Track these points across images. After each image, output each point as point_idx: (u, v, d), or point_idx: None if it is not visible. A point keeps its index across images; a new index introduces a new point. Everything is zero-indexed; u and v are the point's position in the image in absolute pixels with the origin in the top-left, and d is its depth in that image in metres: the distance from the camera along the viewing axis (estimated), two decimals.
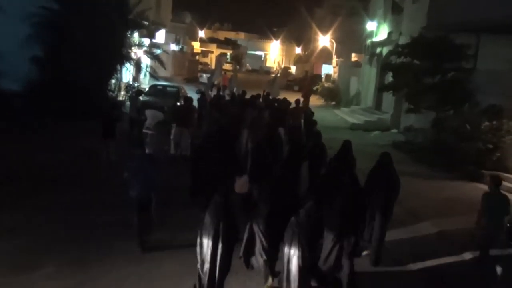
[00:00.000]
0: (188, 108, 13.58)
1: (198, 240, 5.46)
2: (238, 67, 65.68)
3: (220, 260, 5.38)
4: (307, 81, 26.83)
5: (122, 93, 20.19)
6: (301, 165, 9.01)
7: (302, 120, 14.70)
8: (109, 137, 11.63)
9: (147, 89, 20.14)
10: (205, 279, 5.45)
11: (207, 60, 60.64)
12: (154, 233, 7.42)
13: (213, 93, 18.98)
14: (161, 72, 24.04)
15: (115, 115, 12.15)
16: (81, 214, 8.40)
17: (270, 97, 17.51)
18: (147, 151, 8.20)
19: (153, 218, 7.15)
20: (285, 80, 45.30)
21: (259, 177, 7.47)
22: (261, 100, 16.49)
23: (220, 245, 5.38)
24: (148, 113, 14.45)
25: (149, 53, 21.15)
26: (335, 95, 33.02)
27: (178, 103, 16.31)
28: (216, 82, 17.69)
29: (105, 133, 11.61)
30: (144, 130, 13.53)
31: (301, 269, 5.43)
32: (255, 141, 9.64)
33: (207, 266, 5.41)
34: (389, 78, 19.50)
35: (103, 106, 15.21)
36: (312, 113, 14.36)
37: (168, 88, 20.60)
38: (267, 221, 5.95)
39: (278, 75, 24.50)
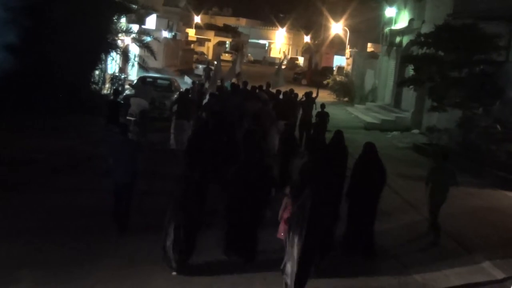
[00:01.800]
0: (187, 100, 14.29)
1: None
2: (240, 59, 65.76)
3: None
4: (309, 70, 26.94)
5: (107, 85, 20.32)
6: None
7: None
8: (114, 123, 12.14)
9: (135, 81, 20.40)
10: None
11: (203, 49, 60.92)
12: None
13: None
14: (152, 63, 23.99)
15: (118, 101, 13.25)
16: (64, 219, 8.52)
17: (270, 88, 17.73)
18: (130, 137, 8.89)
19: (129, 204, 8.01)
20: (292, 72, 45.57)
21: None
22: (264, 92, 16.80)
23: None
24: (133, 100, 15.42)
25: (138, 40, 21.29)
26: (348, 90, 33.10)
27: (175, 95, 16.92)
28: (218, 83, 18.13)
29: (109, 119, 12.41)
30: (127, 117, 14.32)
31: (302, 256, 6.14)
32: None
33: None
34: (409, 71, 19.61)
35: (87, 100, 15.85)
36: (323, 105, 15.37)
37: (159, 81, 20.75)
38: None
39: (284, 63, 24.69)
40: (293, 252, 6.20)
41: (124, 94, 17.52)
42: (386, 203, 10.23)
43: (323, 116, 15.36)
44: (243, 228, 7.23)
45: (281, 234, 6.81)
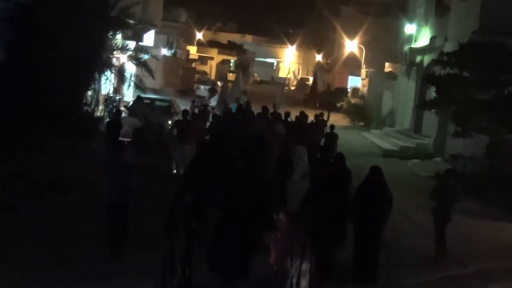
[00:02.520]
0: (190, 122, 14.73)
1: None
2: (244, 77, 66.29)
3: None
4: (313, 90, 27.56)
5: (100, 107, 20.37)
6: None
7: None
8: (114, 144, 12.62)
9: (130, 103, 20.51)
10: None
11: (206, 68, 61.49)
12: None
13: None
14: (149, 82, 24.08)
15: (119, 121, 13.94)
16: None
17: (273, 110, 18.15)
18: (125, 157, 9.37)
19: (125, 225, 8.66)
20: (302, 93, 45.72)
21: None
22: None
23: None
24: (125, 120, 15.93)
25: (135, 58, 21.30)
26: (364, 113, 33.23)
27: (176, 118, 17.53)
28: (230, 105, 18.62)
29: (110, 140, 12.98)
30: (120, 138, 14.73)
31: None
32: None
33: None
34: (431, 93, 19.63)
35: (78, 122, 16.07)
36: (333, 127, 16.03)
37: (157, 102, 21.09)
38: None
39: (287, 82, 25.20)
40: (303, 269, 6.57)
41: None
42: (405, 236, 10.81)
43: (331, 138, 15.70)
44: (233, 248, 7.61)
45: (273, 259, 7.00)
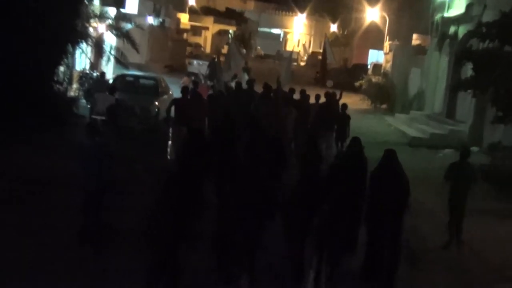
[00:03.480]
0: (192, 102, 15.01)
1: None
2: (244, 51, 65.95)
3: None
4: (323, 67, 27.73)
5: (74, 86, 20.67)
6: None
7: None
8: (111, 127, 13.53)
9: (110, 81, 20.87)
10: None
11: (199, 40, 61.66)
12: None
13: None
14: (133, 57, 24.06)
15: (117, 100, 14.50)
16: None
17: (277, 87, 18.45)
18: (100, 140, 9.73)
19: (102, 217, 9.10)
20: (314, 71, 45.55)
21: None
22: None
23: None
24: (98, 96, 16.65)
25: (115, 28, 21.63)
26: (387, 94, 33.11)
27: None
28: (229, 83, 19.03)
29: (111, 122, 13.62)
30: (94, 117, 15.55)
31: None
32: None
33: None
34: (467, 71, 19.57)
35: (46, 103, 16.25)
36: (345, 106, 16.61)
37: (141, 81, 20.90)
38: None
39: (295, 56, 25.14)
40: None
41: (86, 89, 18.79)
42: (431, 240, 11.35)
43: (343, 120, 16.03)
44: (235, 252, 8.18)
45: None
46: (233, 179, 8.64)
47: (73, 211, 9.55)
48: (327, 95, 17.50)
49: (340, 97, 17.64)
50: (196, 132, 11.42)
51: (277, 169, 10.91)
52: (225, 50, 37.11)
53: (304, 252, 8.30)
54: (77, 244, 8.99)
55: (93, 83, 19.67)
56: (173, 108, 15.53)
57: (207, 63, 30.07)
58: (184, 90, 15.80)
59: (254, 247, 8.20)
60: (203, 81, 20.51)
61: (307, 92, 17.90)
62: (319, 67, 48.22)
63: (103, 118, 15.08)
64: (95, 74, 21.56)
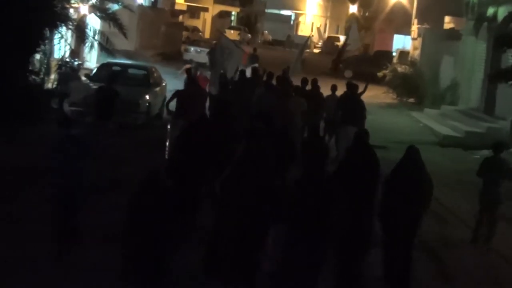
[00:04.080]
0: (194, 93, 15.36)
1: None
2: (249, 36, 65.42)
3: None
4: (339, 54, 28.00)
5: (52, 76, 20.42)
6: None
7: None
8: (106, 119, 14.36)
9: (94, 70, 20.53)
10: None
11: (197, 23, 60.59)
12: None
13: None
14: (120, 43, 24.11)
15: (114, 90, 15.05)
16: None
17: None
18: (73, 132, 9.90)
19: (77, 220, 9.39)
20: (330, 58, 45.49)
21: None
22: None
23: None
24: (72, 85, 17.60)
25: (100, 9, 21.48)
26: (415, 86, 32.78)
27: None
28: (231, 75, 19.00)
29: (101, 113, 14.44)
30: (71, 108, 16.48)
31: None
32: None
33: None
34: (509, 59, 19.89)
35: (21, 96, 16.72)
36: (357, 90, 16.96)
37: (130, 70, 20.81)
38: None
39: (308, 42, 25.48)
40: None
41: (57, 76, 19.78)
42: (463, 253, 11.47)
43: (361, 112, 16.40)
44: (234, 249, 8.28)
45: None
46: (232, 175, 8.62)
47: (43, 211, 9.80)
48: (348, 85, 17.57)
49: (365, 90, 17.59)
50: (197, 124, 11.37)
51: (283, 166, 11.00)
52: (230, 35, 36.57)
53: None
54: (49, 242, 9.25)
55: (64, 71, 20.06)
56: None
57: (206, 50, 29.80)
58: (190, 81, 16.50)
59: (255, 251, 8.34)
60: (198, 72, 20.28)
61: (322, 84, 18.13)
62: (336, 54, 48.17)
63: (80, 109, 15.98)
64: (76, 63, 21.60)
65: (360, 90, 17.05)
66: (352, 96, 16.92)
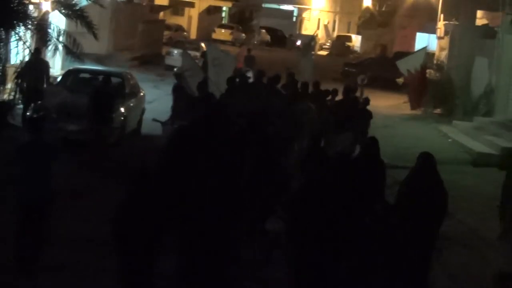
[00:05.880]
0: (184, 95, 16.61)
1: None
2: (243, 35, 63.53)
3: None
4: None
5: (9, 85, 20.04)
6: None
7: None
8: (103, 123, 15.16)
9: (59, 78, 20.72)
10: None
11: (182, 21, 59.02)
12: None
13: None
14: (90, 45, 23.35)
15: (111, 91, 15.98)
16: None
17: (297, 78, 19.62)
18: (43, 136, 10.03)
19: (43, 231, 9.49)
20: (341, 63, 45.88)
21: None
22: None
23: None
24: (47, 89, 17.89)
25: (65, 6, 20.69)
26: (443, 95, 31.87)
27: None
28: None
29: (97, 115, 15.19)
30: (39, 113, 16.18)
31: None
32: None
33: None
34: None
35: None
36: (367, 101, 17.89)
37: (101, 78, 20.06)
38: None
39: (312, 44, 26.14)
40: None
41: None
42: None
43: (363, 116, 16.89)
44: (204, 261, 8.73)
45: None
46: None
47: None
48: (345, 89, 18.19)
49: (334, 97, 18.22)
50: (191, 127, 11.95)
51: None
52: (216, 35, 34.99)
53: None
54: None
55: (26, 66, 19.55)
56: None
57: (192, 53, 29.46)
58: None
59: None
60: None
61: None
62: (348, 56, 46.51)
63: (53, 115, 16.19)
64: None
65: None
66: (348, 101, 17.49)
